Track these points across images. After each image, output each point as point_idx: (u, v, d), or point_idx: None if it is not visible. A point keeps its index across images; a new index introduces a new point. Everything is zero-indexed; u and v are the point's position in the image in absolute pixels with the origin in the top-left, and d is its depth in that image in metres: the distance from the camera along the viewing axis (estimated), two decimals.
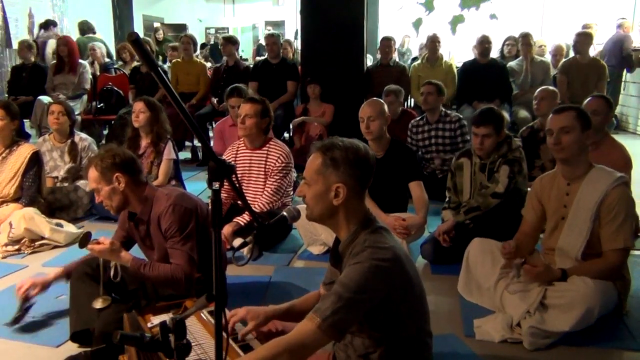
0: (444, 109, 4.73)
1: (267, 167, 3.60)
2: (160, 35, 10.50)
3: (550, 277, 2.46)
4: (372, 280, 1.54)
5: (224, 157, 3.60)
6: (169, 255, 2.33)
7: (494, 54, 6.38)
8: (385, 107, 3.40)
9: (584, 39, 5.94)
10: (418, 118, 4.84)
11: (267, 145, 3.64)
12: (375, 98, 3.55)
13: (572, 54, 6.56)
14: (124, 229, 2.56)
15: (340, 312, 1.51)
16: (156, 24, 12.31)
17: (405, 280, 1.62)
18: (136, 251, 2.51)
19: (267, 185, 3.59)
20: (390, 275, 1.57)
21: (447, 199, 3.42)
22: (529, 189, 3.13)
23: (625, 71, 7.83)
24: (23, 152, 3.74)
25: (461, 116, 4.76)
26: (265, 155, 3.62)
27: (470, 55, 6.86)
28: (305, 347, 1.52)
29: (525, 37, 6.05)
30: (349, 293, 1.52)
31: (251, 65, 6.64)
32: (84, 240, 2.28)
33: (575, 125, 2.47)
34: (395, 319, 1.64)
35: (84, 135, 4.48)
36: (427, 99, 4.60)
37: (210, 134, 6.53)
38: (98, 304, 2.29)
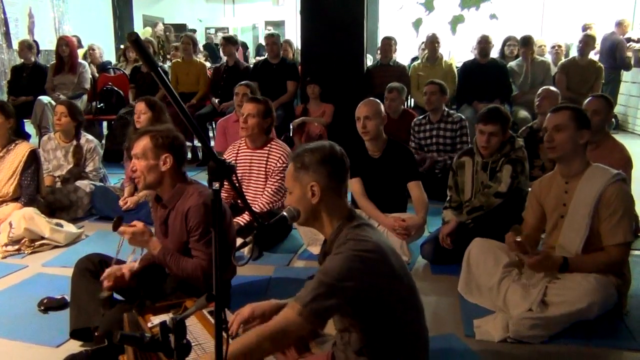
0: (446, 109, 4.73)
1: (268, 167, 3.60)
2: (160, 30, 10.30)
3: (551, 264, 2.48)
4: (352, 268, 1.57)
5: (224, 156, 3.61)
6: (192, 252, 2.34)
7: (494, 54, 6.37)
8: (382, 107, 3.39)
9: (591, 41, 6.05)
10: (420, 117, 4.84)
11: (269, 145, 3.63)
12: (371, 98, 3.53)
13: (572, 53, 6.57)
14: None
15: (319, 299, 1.54)
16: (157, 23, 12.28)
17: (389, 270, 1.64)
18: None
19: (267, 186, 3.58)
20: (372, 264, 1.60)
21: (448, 198, 3.41)
22: (530, 189, 3.13)
23: (622, 71, 7.81)
24: (20, 151, 3.74)
25: (463, 117, 4.75)
26: (266, 156, 3.61)
27: (470, 55, 6.86)
28: (286, 334, 1.57)
29: (526, 40, 6.03)
30: (328, 279, 1.56)
31: (251, 65, 6.64)
32: (117, 223, 2.29)
33: (568, 124, 2.49)
34: (386, 310, 1.65)
35: (90, 136, 4.44)
36: (430, 98, 4.60)
37: (210, 134, 6.54)
38: (104, 294, 2.29)
